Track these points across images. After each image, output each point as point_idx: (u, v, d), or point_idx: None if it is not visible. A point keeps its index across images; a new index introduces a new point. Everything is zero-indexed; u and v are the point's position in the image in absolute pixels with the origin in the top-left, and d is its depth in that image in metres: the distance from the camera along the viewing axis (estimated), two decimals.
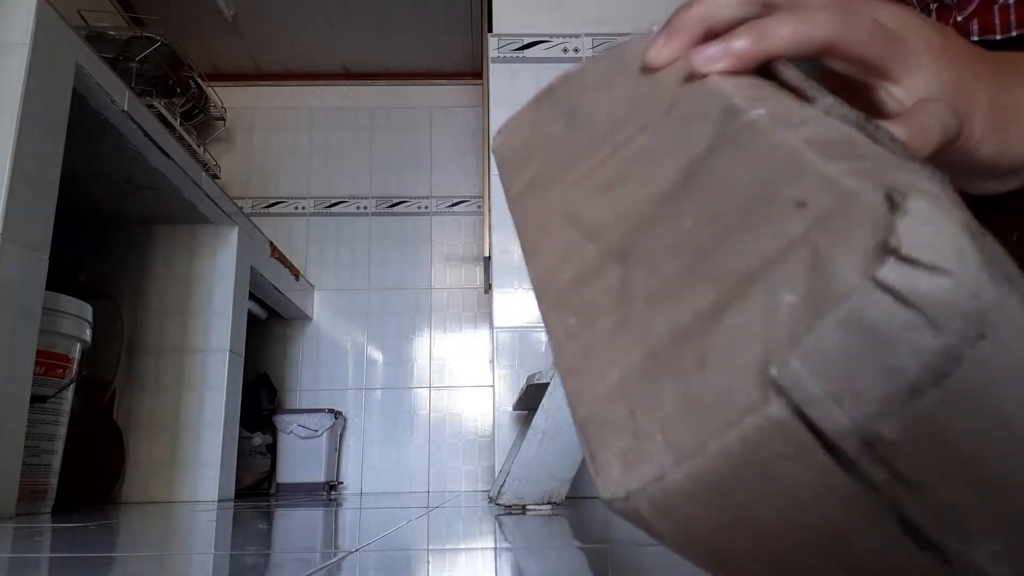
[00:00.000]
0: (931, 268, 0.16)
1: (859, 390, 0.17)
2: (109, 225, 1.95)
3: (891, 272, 0.16)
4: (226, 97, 2.85)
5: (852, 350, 0.17)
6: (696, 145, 0.24)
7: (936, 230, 0.17)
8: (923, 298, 0.16)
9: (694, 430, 0.18)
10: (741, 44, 0.26)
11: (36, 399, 1.29)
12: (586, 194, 0.28)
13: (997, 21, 0.59)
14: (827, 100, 0.24)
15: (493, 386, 1.85)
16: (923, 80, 0.28)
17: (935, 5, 0.64)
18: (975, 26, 0.60)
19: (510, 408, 1.82)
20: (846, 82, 0.30)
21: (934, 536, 0.20)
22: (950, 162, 0.29)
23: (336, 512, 1.35)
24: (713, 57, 0.26)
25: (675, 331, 0.20)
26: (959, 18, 0.62)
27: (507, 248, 1.86)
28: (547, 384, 1.33)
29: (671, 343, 0.20)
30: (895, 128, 0.25)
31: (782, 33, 0.26)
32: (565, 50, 1.97)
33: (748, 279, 0.19)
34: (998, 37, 0.58)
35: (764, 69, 0.27)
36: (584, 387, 0.23)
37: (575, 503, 1.47)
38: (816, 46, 0.27)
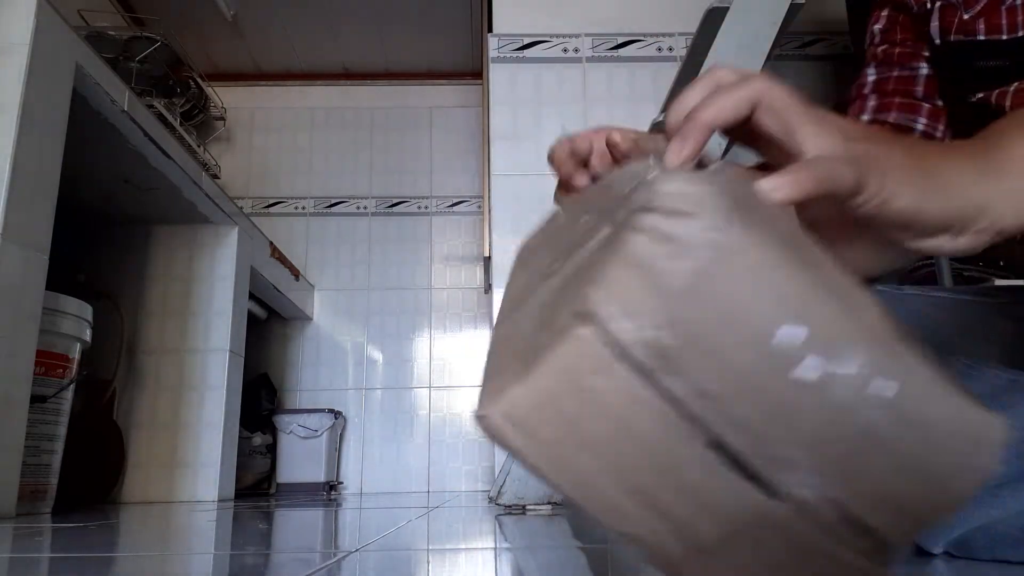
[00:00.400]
0: (681, 213, 0.24)
1: (640, 307, 0.23)
2: (109, 225, 1.94)
3: (651, 220, 0.24)
4: (226, 97, 2.85)
5: (632, 280, 0.23)
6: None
7: (683, 192, 0.24)
8: (674, 233, 0.24)
9: (531, 360, 0.25)
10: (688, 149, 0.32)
11: (36, 399, 1.29)
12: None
13: (1005, 22, 0.58)
14: (718, 164, 0.32)
15: None
16: (823, 144, 0.33)
17: (939, 3, 0.64)
18: (981, 25, 0.60)
19: None
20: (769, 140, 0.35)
21: (753, 464, 0.24)
22: (875, 217, 0.34)
23: (336, 512, 1.35)
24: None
25: (540, 309, 0.28)
26: (965, 16, 0.61)
27: (507, 248, 1.86)
28: None
29: (534, 321, 0.28)
30: (775, 177, 0.30)
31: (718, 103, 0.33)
32: (565, 50, 1.97)
33: (579, 259, 0.27)
34: (1004, 37, 0.58)
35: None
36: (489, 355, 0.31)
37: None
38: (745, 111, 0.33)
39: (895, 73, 0.68)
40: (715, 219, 0.23)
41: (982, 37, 0.60)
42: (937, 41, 0.64)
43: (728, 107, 0.32)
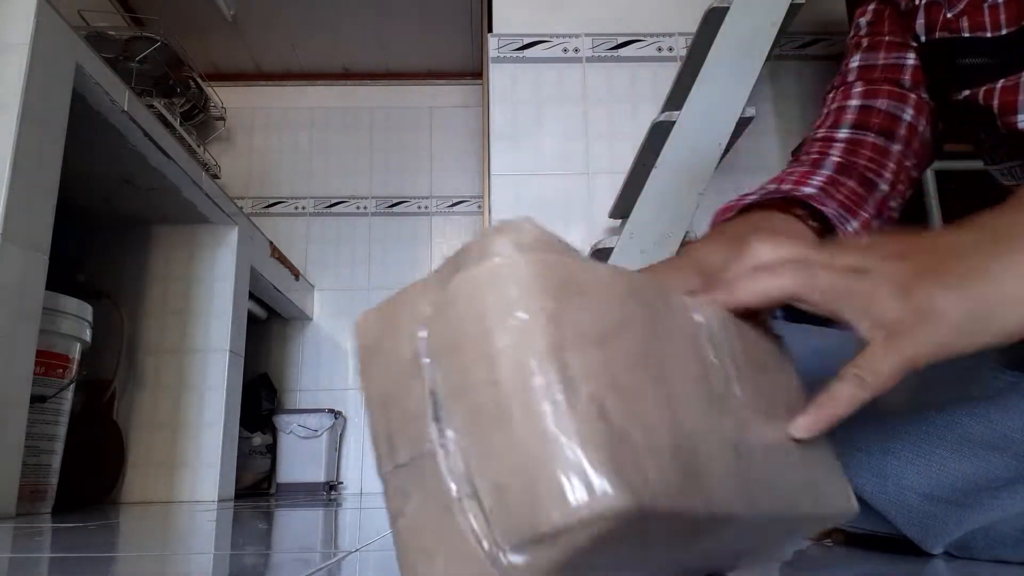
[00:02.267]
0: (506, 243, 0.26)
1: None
2: (109, 225, 1.94)
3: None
4: (226, 97, 2.85)
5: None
6: None
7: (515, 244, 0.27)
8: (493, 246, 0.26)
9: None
10: (721, 296, 0.35)
11: (36, 399, 1.29)
12: None
13: (988, 20, 0.58)
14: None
15: None
16: (879, 318, 0.34)
17: (923, 1, 0.64)
18: (965, 23, 0.60)
19: None
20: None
21: None
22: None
23: (336, 512, 1.35)
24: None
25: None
26: (948, 15, 0.61)
27: None
28: None
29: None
30: (806, 417, 0.34)
31: (751, 287, 0.34)
32: (565, 50, 1.97)
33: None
34: (988, 35, 0.58)
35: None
36: None
37: None
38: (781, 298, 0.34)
39: (881, 60, 0.67)
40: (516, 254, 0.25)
41: (966, 35, 0.60)
42: (923, 39, 0.64)
43: (759, 294, 0.34)
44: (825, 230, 0.59)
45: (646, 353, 0.27)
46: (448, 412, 0.25)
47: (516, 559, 0.23)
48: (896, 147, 0.65)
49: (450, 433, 0.24)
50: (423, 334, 0.26)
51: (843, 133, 0.66)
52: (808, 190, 0.60)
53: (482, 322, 0.24)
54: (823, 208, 0.58)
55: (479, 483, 0.23)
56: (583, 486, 0.21)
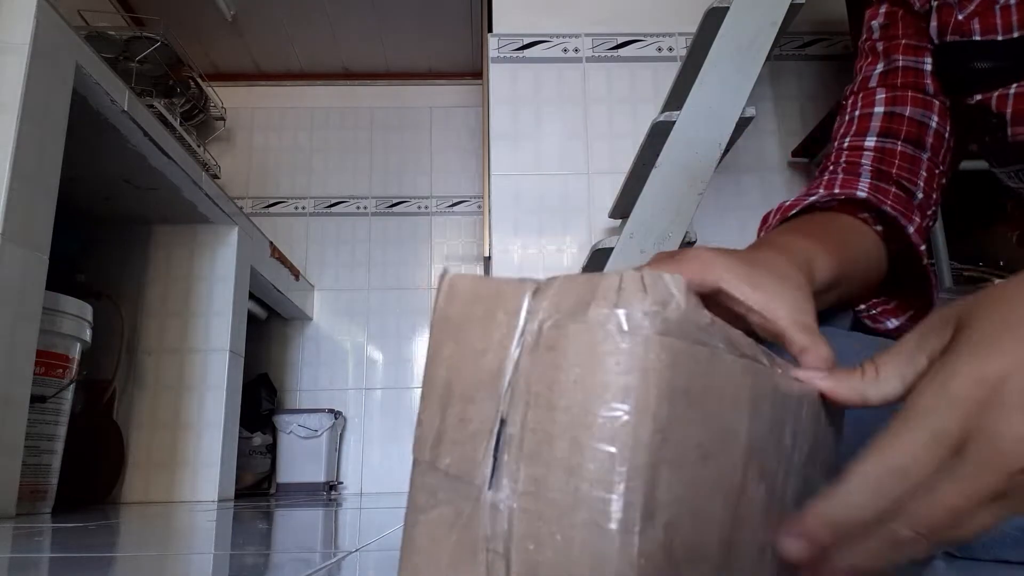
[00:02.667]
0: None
1: None
2: (109, 225, 1.94)
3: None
4: (226, 97, 2.85)
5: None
6: None
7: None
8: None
9: None
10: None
11: (36, 399, 1.29)
12: None
13: (1000, 22, 0.58)
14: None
15: None
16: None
17: (935, 3, 0.64)
18: (976, 25, 0.59)
19: None
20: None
21: None
22: None
23: (336, 512, 1.35)
24: None
25: None
26: (960, 16, 0.61)
27: (507, 248, 1.86)
28: None
29: None
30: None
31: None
32: (565, 50, 1.97)
33: None
34: (1000, 38, 0.58)
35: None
36: None
37: None
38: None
39: (901, 65, 0.65)
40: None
41: (978, 38, 0.59)
42: (936, 42, 0.63)
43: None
44: (888, 233, 0.58)
45: (738, 466, 0.24)
46: (512, 461, 0.22)
47: None
48: (925, 155, 0.63)
49: (506, 483, 0.22)
50: (516, 353, 0.23)
51: (871, 141, 0.63)
52: (861, 194, 0.59)
53: (584, 397, 0.21)
54: (888, 209, 0.57)
55: (515, 556, 0.21)
56: None
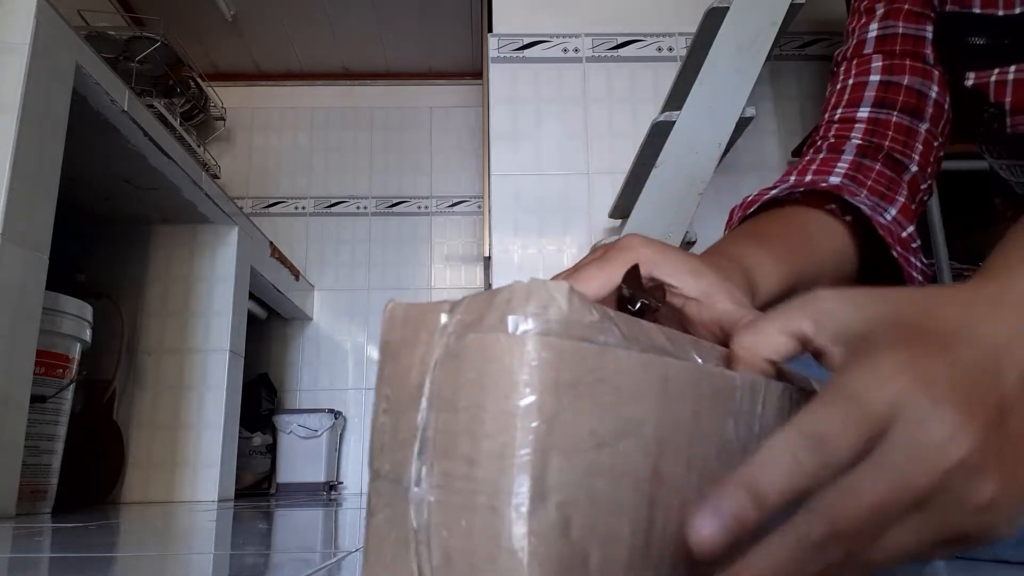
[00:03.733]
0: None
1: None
2: (109, 225, 1.94)
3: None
4: (226, 97, 2.85)
5: None
6: None
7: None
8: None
9: None
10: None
11: (36, 399, 1.29)
12: None
13: None
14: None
15: None
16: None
17: None
18: (977, 0, 0.57)
19: None
20: None
21: None
22: None
23: (336, 512, 1.35)
24: None
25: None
26: None
27: (507, 248, 1.86)
28: None
29: None
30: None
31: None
32: (565, 50, 1.97)
33: None
34: (1000, 13, 0.55)
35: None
36: None
37: None
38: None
39: (900, 31, 0.61)
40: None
41: (977, 10, 0.56)
42: (937, 9, 0.60)
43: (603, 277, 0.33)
44: (858, 221, 0.54)
45: (647, 453, 0.25)
46: (429, 462, 0.25)
47: None
48: (923, 126, 0.59)
49: (424, 480, 0.25)
50: (428, 374, 0.26)
51: (864, 112, 0.60)
52: (834, 179, 0.56)
53: (478, 396, 0.24)
54: (854, 200, 0.54)
55: (433, 543, 0.24)
56: None
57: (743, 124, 1.44)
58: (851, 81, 0.62)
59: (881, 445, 0.23)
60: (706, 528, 0.22)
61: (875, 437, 0.23)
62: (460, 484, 0.23)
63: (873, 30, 0.63)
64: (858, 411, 0.23)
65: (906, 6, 0.62)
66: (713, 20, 1.45)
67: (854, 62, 0.63)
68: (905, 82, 0.60)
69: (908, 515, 0.23)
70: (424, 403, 0.26)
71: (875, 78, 0.61)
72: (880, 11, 0.63)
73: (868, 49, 0.63)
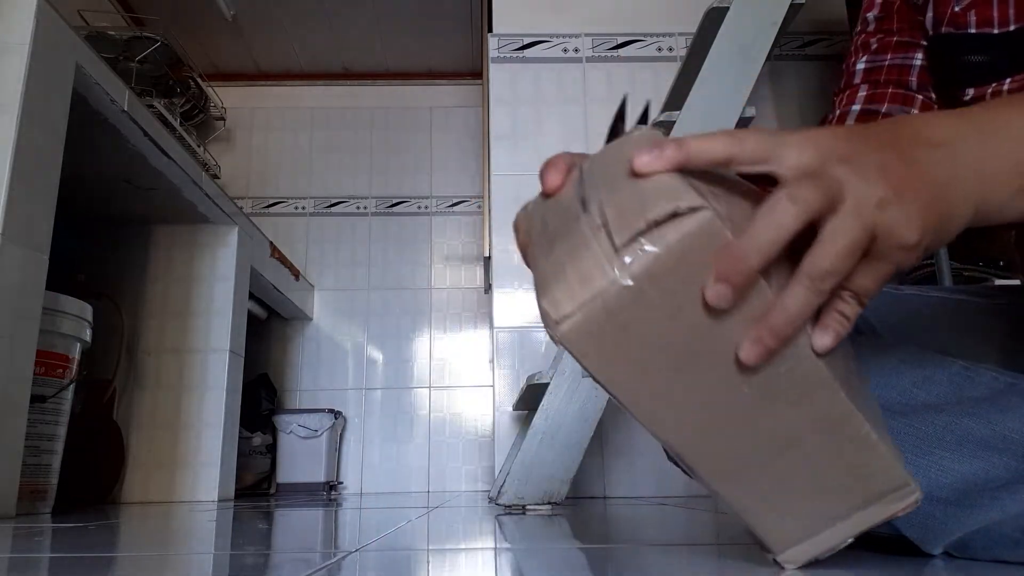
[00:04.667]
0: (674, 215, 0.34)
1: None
2: (109, 225, 1.94)
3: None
4: (226, 97, 2.85)
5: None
6: None
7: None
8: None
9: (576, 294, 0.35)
10: (670, 152, 0.36)
11: (36, 399, 1.29)
12: None
13: (996, 15, 0.57)
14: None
15: (493, 386, 1.85)
16: (794, 159, 0.36)
17: None
18: (972, 18, 0.58)
19: (510, 408, 1.82)
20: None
21: None
22: None
23: (336, 512, 1.35)
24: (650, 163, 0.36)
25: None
26: (956, 8, 0.60)
27: (507, 248, 1.86)
28: (547, 384, 1.33)
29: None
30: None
31: (693, 147, 0.37)
32: (565, 50, 1.97)
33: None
34: (995, 31, 0.57)
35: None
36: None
37: (575, 503, 1.47)
38: (717, 159, 0.36)
39: (887, 62, 0.65)
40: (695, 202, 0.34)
41: (973, 30, 0.58)
42: (931, 33, 0.63)
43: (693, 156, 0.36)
44: None
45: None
46: (591, 192, 0.37)
47: (626, 254, 0.33)
48: None
49: (593, 198, 0.36)
50: (582, 171, 0.40)
51: None
52: None
53: (623, 149, 0.38)
54: None
55: (608, 210, 0.34)
56: (685, 203, 0.33)
57: (743, 124, 1.44)
58: (838, 111, 0.67)
59: (837, 213, 0.33)
60: (719, 290, 0.34)
61: (829, 206, 0.33)
62: (620, 169, 0.36)
63: (863, 62, 0.68)
64: (823, 187, 0.33)
65: (895, 38, 0.66)
66: (713, 20, 1.45)
67: (845, 93, 0.68)
68: (883, 109, 0.64)
69: (866, 260, 0.34)
70: (577, 182, 0.40)
71: (856, 107, 0.66)
72: (875, 44, 0.68)
73: (857, 80, 0.68)
